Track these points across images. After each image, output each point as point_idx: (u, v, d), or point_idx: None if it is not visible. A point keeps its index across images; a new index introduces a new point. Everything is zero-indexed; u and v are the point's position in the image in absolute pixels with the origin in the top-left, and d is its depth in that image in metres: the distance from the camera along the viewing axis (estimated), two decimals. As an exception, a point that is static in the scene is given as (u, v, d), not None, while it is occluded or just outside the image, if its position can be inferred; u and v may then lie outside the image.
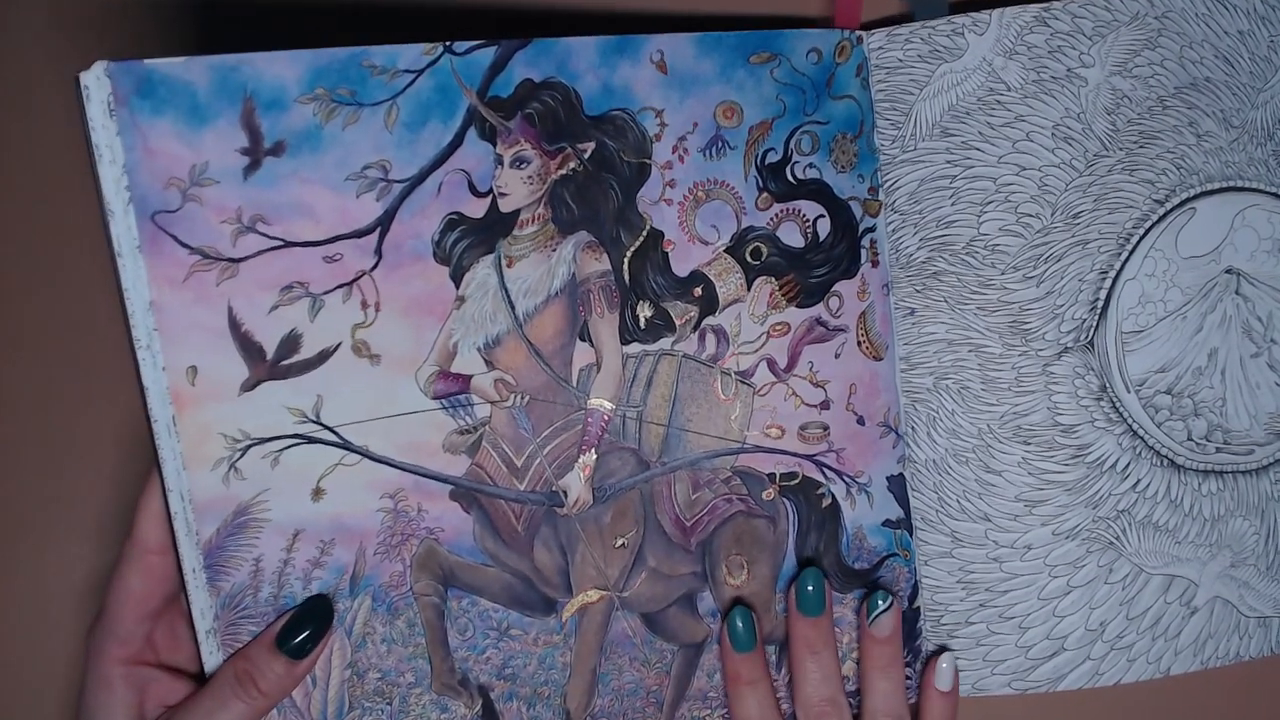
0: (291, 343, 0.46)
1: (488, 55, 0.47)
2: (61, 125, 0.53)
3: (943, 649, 0.55)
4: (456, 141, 0.47)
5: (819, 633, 0.51)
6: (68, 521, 0.53)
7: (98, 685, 0.47)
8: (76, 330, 0.53)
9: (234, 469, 0.46)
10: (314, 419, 0.46)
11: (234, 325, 0.45)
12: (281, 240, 0.45)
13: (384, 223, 0.47)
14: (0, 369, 0.53)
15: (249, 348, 0.45)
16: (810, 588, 0.51)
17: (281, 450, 0.46)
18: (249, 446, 0.46)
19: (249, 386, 0.45)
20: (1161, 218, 0.53)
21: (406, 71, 0.46)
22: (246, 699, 0.46)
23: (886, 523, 0.54)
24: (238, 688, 0.46)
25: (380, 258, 0.47)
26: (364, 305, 0.47)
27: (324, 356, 0.46)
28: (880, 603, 0.52)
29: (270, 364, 0.45)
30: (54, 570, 0.53)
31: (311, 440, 0.47)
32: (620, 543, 0.51)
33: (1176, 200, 0.53)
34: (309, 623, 0.47)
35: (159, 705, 0.47)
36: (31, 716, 0.52)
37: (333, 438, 0.47)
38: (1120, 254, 0.53)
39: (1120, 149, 0.53)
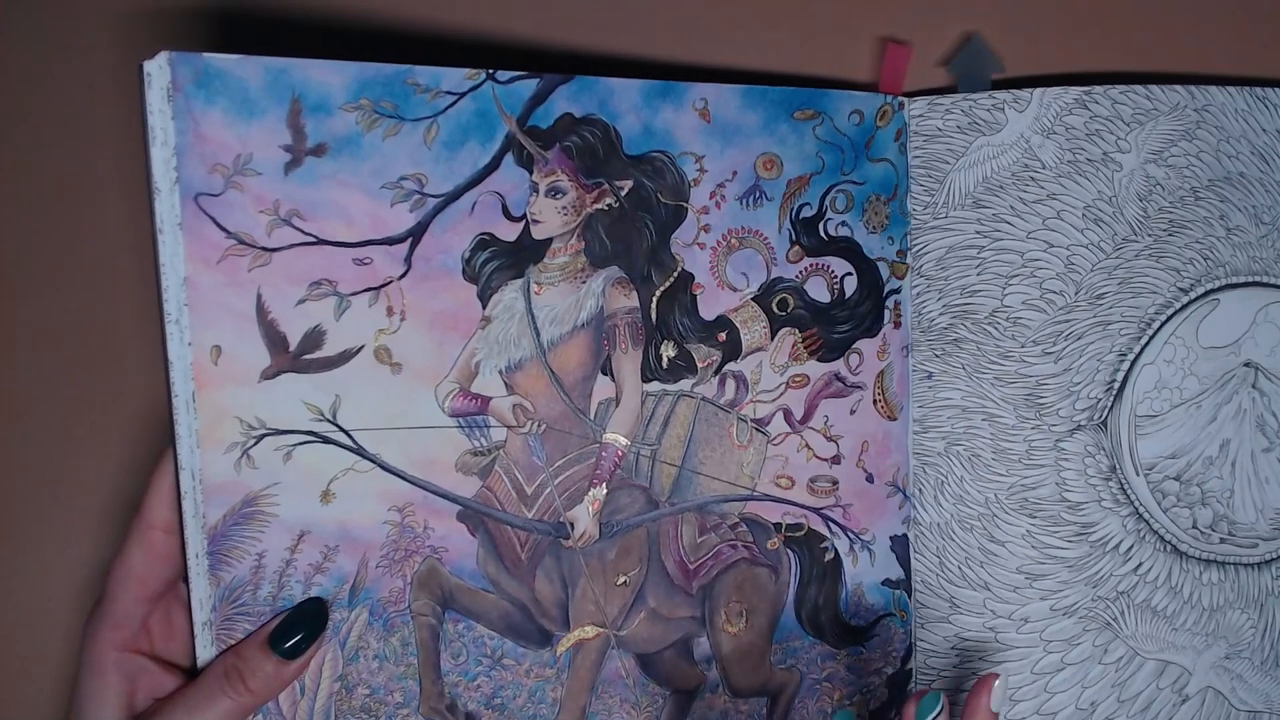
0: (315, 338, 0.46)
1: (530, 86, 0.48)
2: (67, 132, 0.54)
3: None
4: (493, 165, 0.48)
5: None
6: (68, 521, 0.52)
7: (90, 671, 0.46)
8: (78, 330, 0.53)
9: (246, 455, 0.46)
10: (330, 419, 0.47)
11: (261, 312, 0.45)
12: (315, 237, 0.46)
13: (416, 234, 0.47)
14: (0, 369, 0.53)
15: (273, 336, 0.46)
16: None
17: (295, 445, 0.46)
18: (263, 436, 0.46)
19: (270, 375, 0.46)
20: (1184, 306, 0.54)
21: (449, 93, 0.47)
22: (234, 695, 0.45)
23: (886, 582, 0.54)
24: (226, 684, 0.45)
25: (409, 267, 0.47)
26: (390, 312, 0.47)
27: (346, 357, 0.47)
28: (931, 705, 0.48)
29: (292, 356, 0.46)
30: (54, 570, 0.52)
31: (326, 440, 0.47)
32: (622, 580, 0.51)
33: (1201, 290, 0.54)
34: (303, 625, 0.47)
35: (149, 697, 0.47)
36: (31, 715, 0.52)
37: (347, 441, 0.47)
38: (1140, 338, 0.54)
39: (1149, 235, 0.53)
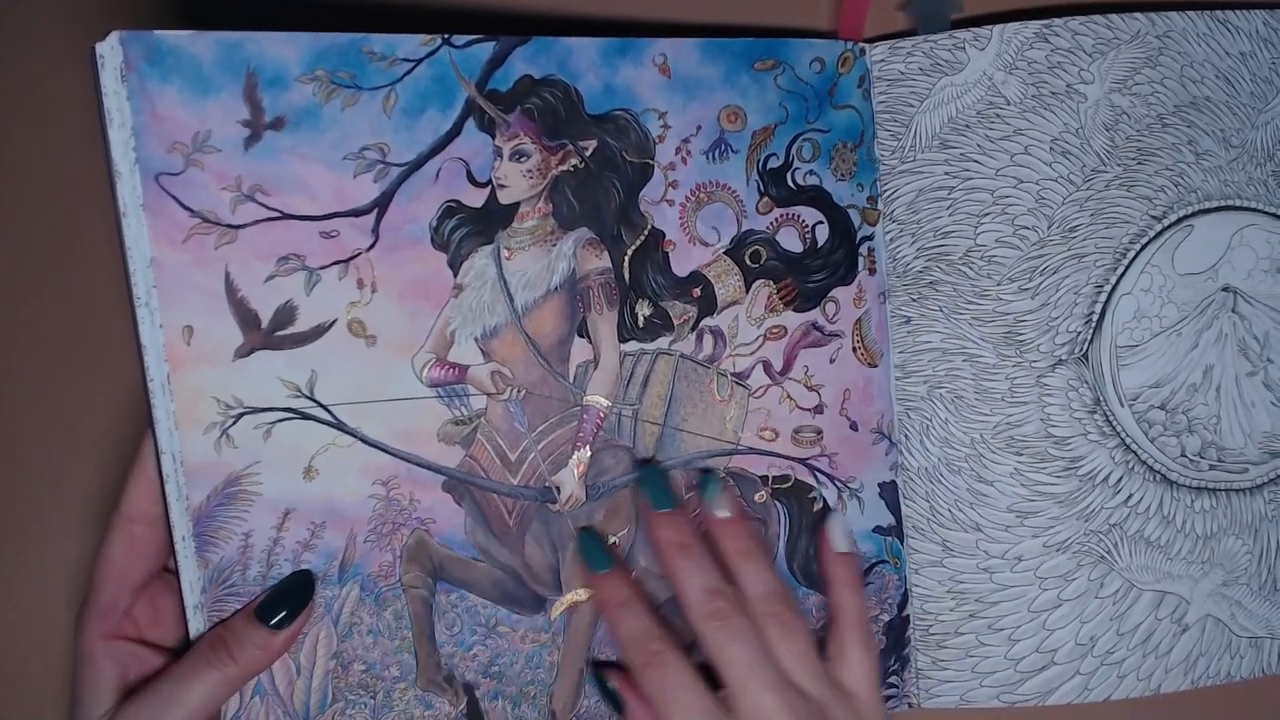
0: (287, 313, 0.46)
1: (486, 50, 0.48)
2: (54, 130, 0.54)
3: (826, 508, 0.53)
4: (455, 131, 0.48)
5: (679, 528, 0.49)
6: (68, 521, 0.53)
7: (82, 661, 0.47)
8: (78, 330, 0.53)
9: (226, 435, 0.46)
10: (307, 394, 0.47)
11: (230, 290, 0.45)
12: (279, 212, 0.46)
13: (381, 204, 0.47)
14: (0, 369, 0.53)
15: (244, 314, 0.45)
16: (651, 488, 0.50)
17: (274, 423, 0.46)
18: (241, 415, 0.46)
19: (243, 353, 0.46)
20: (1159, 234, 0.54)
21: (405, 60, 0.47)
22: (220, 666, 0.45)
23: (877, 529, 0.54)
24: (212, 655, 0.45)
25: (377, 238, 0.47)
26: (360, 284, 0.47)
27: (319, 332, 0.47)
28: (708, 485, 0.50)
29: (265, 333, 0.46)
30: (54, 570, 0.53)
31: (305, 416, 0.47)
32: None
33: (1174, 217, 0.54)
34: (290, 596, 0.47)
35: (141, 678, 0.47)
36: (31, 715, 0.52)
37: (326, 416, 0.47)
38: (1116, 268, 0.54)
39: (1118, 165, 0.53)
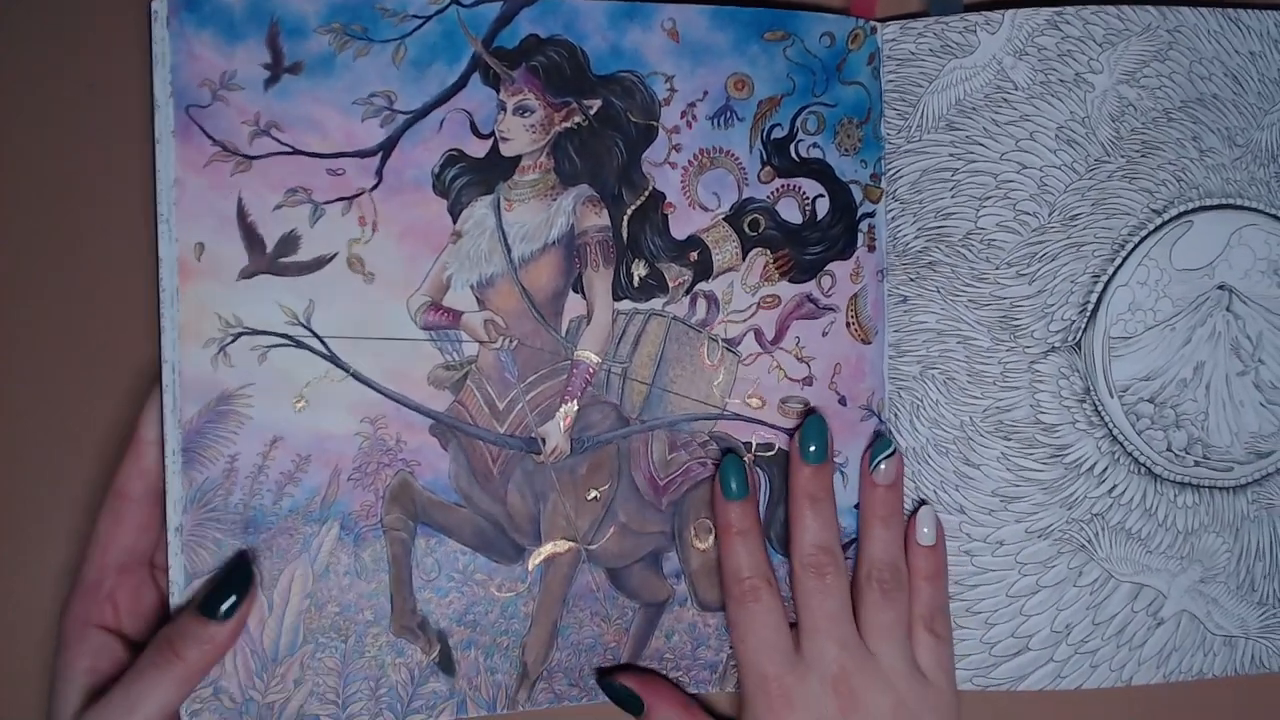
0: (291, 242, 0.49)
1: (494, 9, 0.50)
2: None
3: (922, 502, 0.55)
4: (460, 83, 0.50)
5: (819, 482, 0.52)
6: (68, 522, 0.53)
7: (61, 646, 0.47)
8: (79, 330, 0.53)
9: (223, 352, 0.48)
10: (304, 323, 0.48)
11: (241, 214, 0.48)
12: (291, 147, 0.49)
13: (386, 148, 0.49)
14: (0, 368, 0.53)
15: (252, 238, 0.48)
16: (814, 436, 0.51)
17: (270, 347, 0.48)
18: (240, 334, 0.48)
19: (247, 274, 0.48)
20: (1158, 228, 0.54)
21: (415, 16, 0.49)
22: (167, 668, 0.45)
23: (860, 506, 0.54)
24: (159, 657, 0.46)
25: (381, 180, 0.49)
26: (362, 222, 0.49)
27: (320, 263, 0.49)
28: (884, 449, 0.52)
29: (269, 258, 0.48)
30: (54, 570, 0.53)
31: (299, 344, 0.49)
32: (593, 495, 0.52)
33: (1174, 212, 0.54)
34: (231, 585, 0.47)
35: (108, 679, 0.47)
36: (31, 715, 0.52)
37: (320, 348, 0.49)
38: (1114, 259, 0.54)
39: (1122, 156, 0.53)
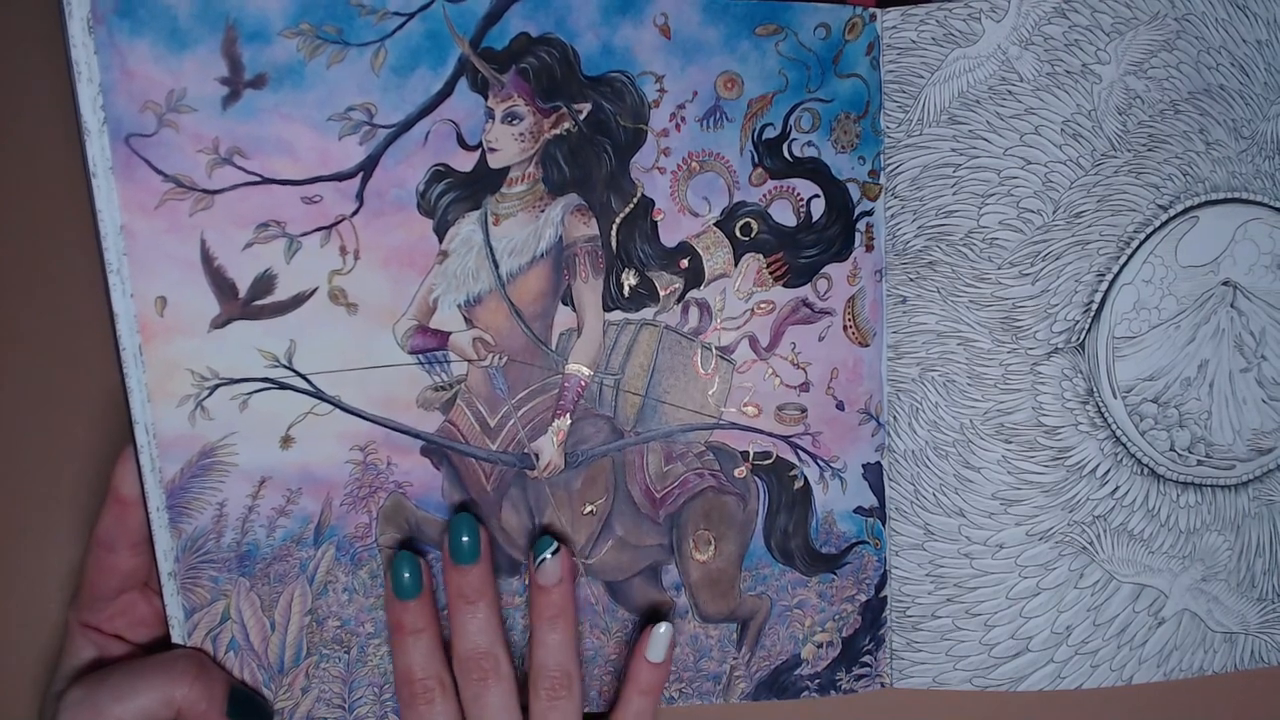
0: (266, 283, 0.45)
1: (483, 4, 0.46)
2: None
3: (659, 616, 0.52)
4: (446, 91, 0.46)
5: (471, 583, 0.48)
6: (68, 522, 0.52)
7: (69, 635, 0.48)
8: (79, 330, 0.52)
9: (201, 407, 0.45)
10: (286, 364, 0.46)
11: (206, 259, 0.44)
12: (259, 176, 0.44)
13: (367, 168, 0.46)
14: (1, 368, 0.52)
15: (221, 284, 0.44)
16: (464, 537, 0.48)
17: (251, 394, 0.46)
18: (217, 386, 0.45)
19: (220, 324, 0.45)
20: (1164, 224, 0.52)
21: (396, 14, 0.45)
22: (171, 685, 0.45)
23: (859, 510, 0.53)
24: (170, 666, 0.45)
25: (361, 204, 0.46)
26: (343, 251, 0.46)
27: (299, 300, 0.45)
28: (546, 546, 0.49)
29: (243, 303, 0.45)
30: (54, 570, 0.52)
31: (282, 386, 0.46)
32: (589, 509, 0.51)
33: (1180, 207, 0.52)
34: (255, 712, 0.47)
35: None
36: (31, 715, 0.52)
37: (305, 385, 0.46)
38: (1119, 257, 0.52)
39: (1128, 150, 0.52)
